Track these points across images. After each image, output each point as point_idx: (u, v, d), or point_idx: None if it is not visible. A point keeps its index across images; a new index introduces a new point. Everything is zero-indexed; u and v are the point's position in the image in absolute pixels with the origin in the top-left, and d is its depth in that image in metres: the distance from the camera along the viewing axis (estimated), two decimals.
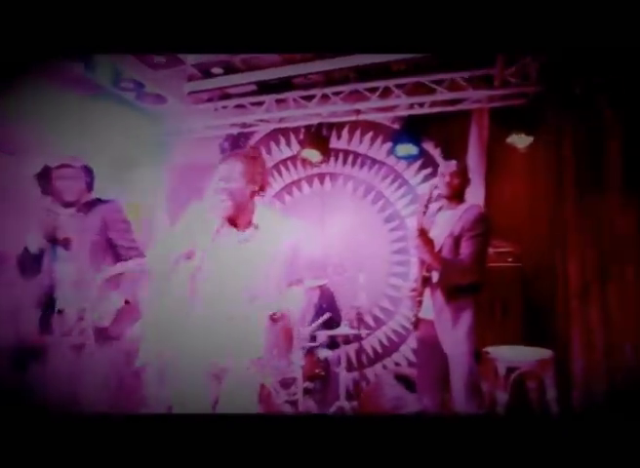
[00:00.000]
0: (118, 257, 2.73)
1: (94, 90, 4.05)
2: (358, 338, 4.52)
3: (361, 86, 4.49)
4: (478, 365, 2.70)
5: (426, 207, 2.77)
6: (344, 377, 4.05)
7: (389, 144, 4.69)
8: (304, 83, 4.66)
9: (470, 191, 2.97)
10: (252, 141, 5.07)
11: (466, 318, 2.69)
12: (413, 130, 4.50)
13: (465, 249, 2.73)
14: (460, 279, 2.71)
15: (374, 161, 4.82)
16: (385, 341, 4.68)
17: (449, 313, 2.71)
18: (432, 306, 2.78)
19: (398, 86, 4.41)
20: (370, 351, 4.69)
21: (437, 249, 2.76)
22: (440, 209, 2.93)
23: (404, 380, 4.32)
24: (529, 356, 3.18)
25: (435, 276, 2.74)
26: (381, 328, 4.68)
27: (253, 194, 2.17)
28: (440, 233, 2.82)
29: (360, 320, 3.97)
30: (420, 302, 2.84)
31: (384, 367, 4.63)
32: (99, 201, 2.84)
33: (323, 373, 4.07)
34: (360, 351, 4.64)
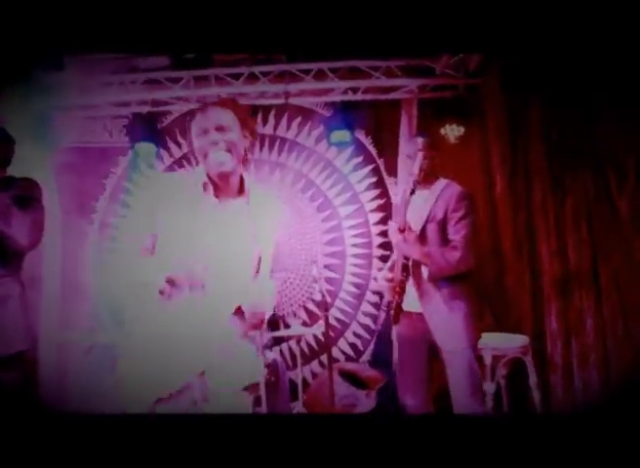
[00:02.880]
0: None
1: None
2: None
3: (294, 67, 4.20)
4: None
5: (407, 203, 2.56)
6: (298, 379, 3.77)
7: (319, 131, 4.47)
8: (228, 60, 4.21)
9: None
10: (165, 123, 4.45)
11: (461, 308, 2.51)
12: (346, 116, 4.35)
13: (455, 234, 2.52)
14: (454, 270, 2.51)
15: (302, 148, 4.56)
16: (321, 336, 4.47)
17: (442, 304, 2.51)
18: (419, 298, 2.56)
19: (333, 70, 4.22)
20: (305, 348, 4.46)
21: (417, 234, 2.55)
22: (413, 192, 2.63)
23: (349, 377, 4.17)
24: (512, 342, 3.18)
25: (425, 272, 2.52)
26: (318, 321, 4.46)
27: (247, 150, 1.74)
28: (417, 217, 2.60)
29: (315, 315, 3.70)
30: (400, 293, 2.60)
31: (321, 363, 4.44)
32: (11, 179, 2.36)
33: (273, 379, 3.74)
34: (298, 349, 4.38)
